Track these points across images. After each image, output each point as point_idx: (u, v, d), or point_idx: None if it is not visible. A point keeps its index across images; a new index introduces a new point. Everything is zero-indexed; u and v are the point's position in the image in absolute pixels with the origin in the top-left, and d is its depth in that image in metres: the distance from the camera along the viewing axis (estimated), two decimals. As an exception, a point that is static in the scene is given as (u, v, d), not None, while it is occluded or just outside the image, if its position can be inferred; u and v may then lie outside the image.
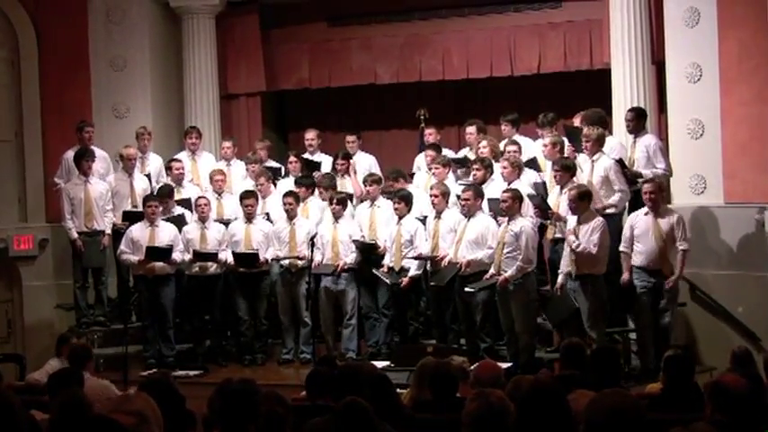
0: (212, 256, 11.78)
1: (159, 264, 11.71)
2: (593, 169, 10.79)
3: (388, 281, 11.33)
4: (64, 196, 12.48)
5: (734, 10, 11.43)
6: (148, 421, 4.30)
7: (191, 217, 12.22)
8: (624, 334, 10.89)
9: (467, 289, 10.65)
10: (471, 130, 12.65)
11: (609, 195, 10.74)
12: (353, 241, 11.63)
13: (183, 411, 5.36)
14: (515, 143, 11.96)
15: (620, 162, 10.79)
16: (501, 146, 12.10)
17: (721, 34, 11.47)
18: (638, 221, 10.43)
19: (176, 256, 11.74)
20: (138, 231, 11.82)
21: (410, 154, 13.04)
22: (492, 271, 10.54)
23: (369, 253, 11.63)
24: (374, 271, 11.45)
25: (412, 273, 11.32)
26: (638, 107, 11.52)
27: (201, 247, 11.82)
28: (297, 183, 12.32)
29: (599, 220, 10.22)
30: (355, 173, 12.68)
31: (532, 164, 11.77)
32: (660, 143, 11.30)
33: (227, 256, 11.82)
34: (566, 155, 11.27)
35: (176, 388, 5.40)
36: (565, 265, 10.35)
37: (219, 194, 12.55)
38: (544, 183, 11.42)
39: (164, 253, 11.66)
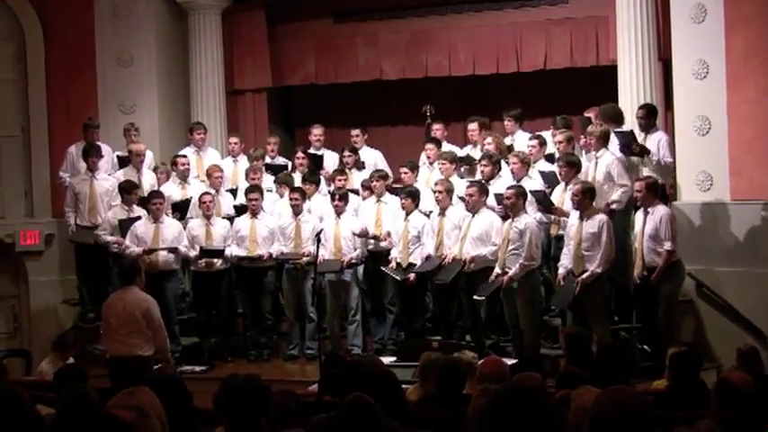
0: (219, 253, 11.79)
1: (162, 259, 11.70)
2: (596, 166, 10.77)
3: (397, 277, 11.32)
4: (69, 191, 12.52)
5: (740, 7, 11.40)
6: (149, 416, 4.32)
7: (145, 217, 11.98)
8: (632, 331, 10.88)
9: (475, 297, 10.59)
10: (473, 126, 12.64)
11: (612, 192, 10.67)
12: (353, 233, 11.63)
13: (190, 407, 5.37)
14: (539, 138, 11.77)
15: (630, 133, 10.77)
16: (507, 141, 12.11)
17: (728, 31, 11.45)
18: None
19: (180, 249, 11.78)
20: (142, 227, 11.80)
21: (416, 150, 13.02)
22: (497, 270, 10.48)
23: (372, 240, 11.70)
24: (382, 268, 11.44)
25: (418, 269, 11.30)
26: (649, 104, 11.51)
27: (207, 244, 11.81)
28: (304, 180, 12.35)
29: (603, 218, 10.18)
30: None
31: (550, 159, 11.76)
32: (669, 139, 11.32)
33: (232, 252, 11.84)
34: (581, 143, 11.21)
35: (183, 383, 5.42)
36: (567, 261, 10.35)
37: (217, 191, 12.43)
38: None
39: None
